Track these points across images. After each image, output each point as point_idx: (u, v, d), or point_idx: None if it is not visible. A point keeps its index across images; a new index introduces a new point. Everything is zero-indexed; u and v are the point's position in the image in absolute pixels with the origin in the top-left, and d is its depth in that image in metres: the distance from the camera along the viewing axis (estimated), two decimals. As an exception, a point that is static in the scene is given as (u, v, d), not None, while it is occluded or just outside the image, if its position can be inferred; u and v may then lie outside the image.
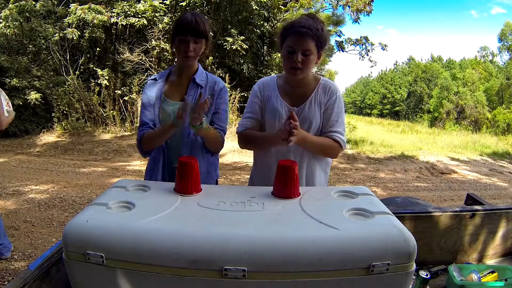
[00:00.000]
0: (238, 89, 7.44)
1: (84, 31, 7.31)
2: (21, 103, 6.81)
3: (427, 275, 1.15)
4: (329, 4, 8.99)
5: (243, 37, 7.38)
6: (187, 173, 1.04)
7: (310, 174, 1.40)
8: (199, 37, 1.34)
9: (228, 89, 7.33)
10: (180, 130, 1.42)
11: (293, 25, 1.25)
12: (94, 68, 7.49)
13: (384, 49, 9.08)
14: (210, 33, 1.40)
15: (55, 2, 7.45)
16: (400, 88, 32.43)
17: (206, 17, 1.42)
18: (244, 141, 1.40)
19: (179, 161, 1.06)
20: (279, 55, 8.74)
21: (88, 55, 7.89)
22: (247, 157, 5.89)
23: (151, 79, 1.49)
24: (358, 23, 8.57)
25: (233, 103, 7.21)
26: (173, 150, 1.47)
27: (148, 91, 1.46)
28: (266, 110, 1.39)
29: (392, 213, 0.93)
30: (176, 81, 1.46)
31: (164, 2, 7.21)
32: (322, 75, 1.45)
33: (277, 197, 1.02)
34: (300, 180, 1.38)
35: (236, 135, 1.44)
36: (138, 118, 1.50)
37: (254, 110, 1.40)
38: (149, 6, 6.99)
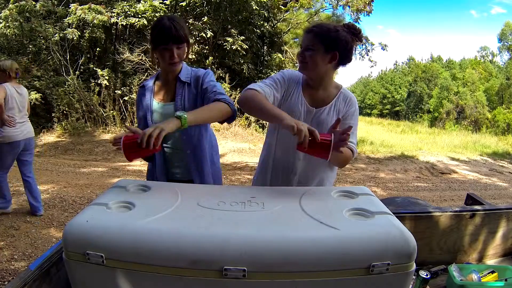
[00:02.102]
0: (238, 89, 7.44)
1: (84, 31, 7.31)
2: (21, 103, 6.81)
3: (427, 275, 1.15)
4: (329, 4, 9.02)
5: (243, 37, 7.38)
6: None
7: (320, 179, 1.42)
8: (181, 43, 1.34)
9: (228, 89, 7.34)
10: (180, 132, 1.43)
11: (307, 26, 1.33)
12: (94, 68, 7.49)
13: (384, 49, 9.09)
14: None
15: (55, 2, 7.45)
16: (400, 88, 32.43)
17: (180, 18, 1.43)
18: (251, 98, 1.21)
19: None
20: (279, 55, 8.76)
21: (88, 55, 7.89)
22: (247, 157, 5.90)
23: (140, 87, 1.51)
24: (358, 23, 8.60)
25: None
26: (174, 150, 1.48)
27: (139, 98, 1.49)
28: (285, 102, 1.37)
29: (392, 213, 0.93)
30: (164, 83, 1.47)
31: (164, 2, 7.21)
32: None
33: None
34: (309, 184, 1.40)
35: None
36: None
37: (276, 86, 1.32)
38: (149, 6, 6.99)
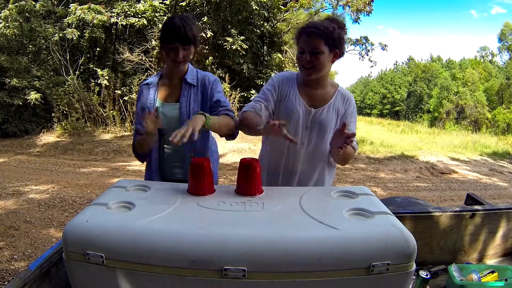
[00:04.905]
0: (238, 89, 7.44)
1: (84, 31, 7.30)
2: (21, 103, 6.81)
3: (427, 275, 1.15)
4: (329, 4, 8.99)
5: (243, 37, 7.37)
6: (201, 175, 1.05)
7: (320, 179, 1.42)
8: (188, 44, 1.33)
9: (228, 89, 7.34)
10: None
11: (303, 27, 1.30)
12: (94, 68, 7.48)
13: (384, 49, 9.07)
14: (203, 33, 1.38)
15: (55, 2, 7.45)
16: (400, 88, 32.40)
17: (194, 19, 1.39)
18: (242, 119, 1.31)
19: (192, 162, 1.06)
20: (279, 55, 8.76)
21: (88, 55, 7.89)
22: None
23: (144, 84, 1.49)
24: (358, 23, 8.57)
25: (233, 103, 7.20)
26: (174, 150, 1.47)
27: (142, 96, 1.46)
28: (282, 105, 1.38)
29: (392, 213, 0.93)
30: (169, 84, 1.46)
31: (164, 2, 7.21)
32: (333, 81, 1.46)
33: (239, 195, 1.04)
34: (309, 183, 1.41)
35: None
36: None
37: (267, 98, 1.36)
38: (149, 6, 6.99)
